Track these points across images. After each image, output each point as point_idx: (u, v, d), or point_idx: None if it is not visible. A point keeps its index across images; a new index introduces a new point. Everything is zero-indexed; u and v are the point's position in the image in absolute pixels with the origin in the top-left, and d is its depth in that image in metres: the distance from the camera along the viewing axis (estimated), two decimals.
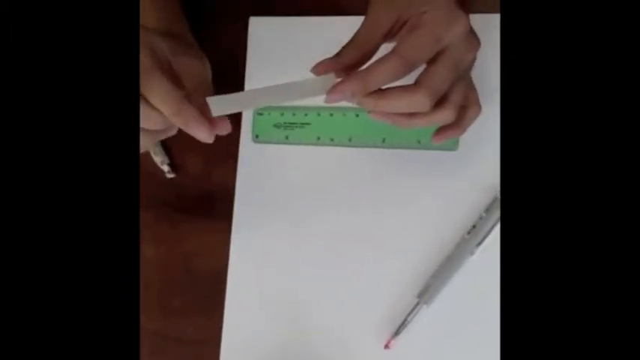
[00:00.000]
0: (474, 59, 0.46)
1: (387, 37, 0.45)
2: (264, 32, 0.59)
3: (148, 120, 0.43)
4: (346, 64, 0.44)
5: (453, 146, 0.54)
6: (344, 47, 0.45)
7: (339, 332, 0.55)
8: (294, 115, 0.57)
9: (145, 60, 0.42)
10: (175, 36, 0.50)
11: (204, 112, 0.43)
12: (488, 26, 0.54)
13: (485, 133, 0.53)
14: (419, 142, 0.54)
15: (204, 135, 0.43)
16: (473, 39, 0.45)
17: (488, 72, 0.53)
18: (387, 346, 0.53)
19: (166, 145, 0.61)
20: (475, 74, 0.52)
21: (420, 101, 0.43)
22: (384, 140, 0.55)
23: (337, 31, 0.55)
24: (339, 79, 0.43)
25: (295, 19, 0.59)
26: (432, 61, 0.43)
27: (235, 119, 0.59)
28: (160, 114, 0.42)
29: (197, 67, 0.47)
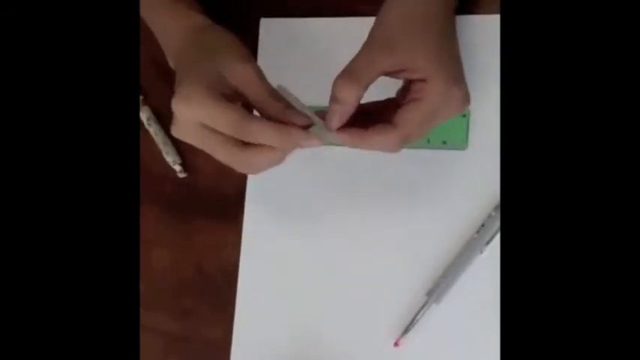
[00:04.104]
0: None
1: (384, 74, 0.46)
2: (274, 33, 0.60)
3: (261, 163, 0.45)
4: (348, 109, 0.45)
5: (462, 145, 0.54)
6: (341, 81, 0.45)
7: (348, 330, 0.55)
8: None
9: (235, 114, 0.44)
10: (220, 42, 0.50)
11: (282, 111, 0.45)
12: (489, 27, 0.54)
13: (493, 132, 0.53)
14: (428, 141, 0.55)
15: (317, 143, 0.45)
16: (465, 105, 0.46)
17: (489, 71, 0.53)
18: (396, 344, 0.53)
19: (178, 145, 0.61)
20: (475, 74, 0.52)
21: (392, 145, 0.46)
22: None
23: (347, 32, 0.56)
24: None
25: (305, 20, 0.59)
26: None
27: None
28: (266, 153, 0.45)
29: (246, 70, 0.46)
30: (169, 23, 0.51)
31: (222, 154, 0.45)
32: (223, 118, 0.44)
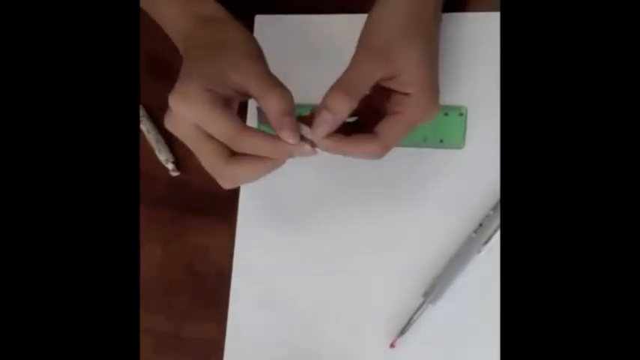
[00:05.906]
0: None
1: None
2: (269, 30, 0.59)
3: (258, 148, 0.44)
4: (340, 120, 0.45)
5: (459, 144, 0.53)
6: (335, 92, 0.45)
7: (344, 331, 0.54)
8: (299, 115, 0.57)
9: (232, 124, 0.44)
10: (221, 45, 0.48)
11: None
12: (488, 24, 0.53)
13: (491, 132, 0.52)
14: (425, 140, 0.54)
15: (309, 151, 0.45)
16: (435, 113, 0.48)
17: (487, 70, 0.53)
18: (392, 346, 0.53)
19: (171, 143, 0.61)
20: (473, 72, 0.52)
21: (375, 154, 0.46)
22: None
23: (342, 29, 0.55)
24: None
25: (300, 17, 0.59)
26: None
27: (239, 116, 0.59)
28: (256, 164, 0.45)
29: (250, 68, 0.46)
30: (178, 12, 0.50)
31: (210, 163, 0.45)
32: (218, 125, 0.43)
